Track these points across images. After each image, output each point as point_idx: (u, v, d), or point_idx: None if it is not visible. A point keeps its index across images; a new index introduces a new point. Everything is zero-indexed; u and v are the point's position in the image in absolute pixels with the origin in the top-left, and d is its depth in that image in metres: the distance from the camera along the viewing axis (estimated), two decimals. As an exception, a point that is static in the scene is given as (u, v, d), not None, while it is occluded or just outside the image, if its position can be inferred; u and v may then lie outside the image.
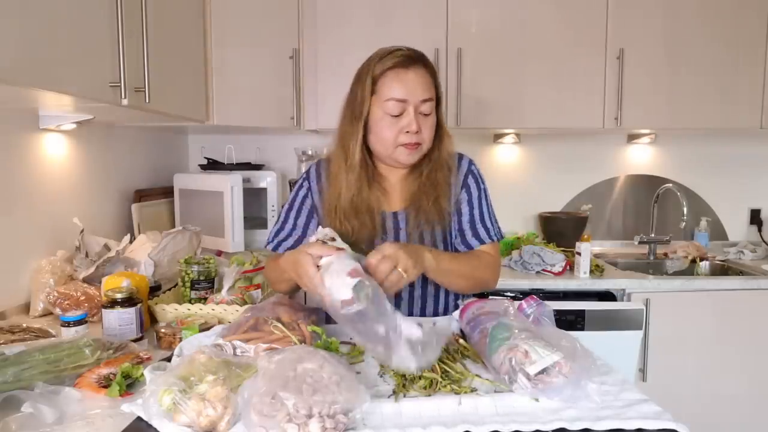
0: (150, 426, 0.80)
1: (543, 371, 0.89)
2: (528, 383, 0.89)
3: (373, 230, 1.31)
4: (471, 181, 1.39)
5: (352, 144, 1.31)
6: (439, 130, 1.34)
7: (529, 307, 1.14)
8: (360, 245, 1.26)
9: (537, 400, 0.88)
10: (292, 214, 1.40)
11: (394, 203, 1.37)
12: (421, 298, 1.36)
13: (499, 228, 1.41)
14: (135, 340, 1.22)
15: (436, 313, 1.38)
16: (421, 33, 2.34)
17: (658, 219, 2.69)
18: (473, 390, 0.91)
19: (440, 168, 1.34)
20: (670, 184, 2.62)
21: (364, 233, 1.30)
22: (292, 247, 1.35)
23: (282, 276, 1.23)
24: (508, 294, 2.11)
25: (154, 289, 1.59)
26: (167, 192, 2.39)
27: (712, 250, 2.68)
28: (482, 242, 1.37)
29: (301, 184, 1.42)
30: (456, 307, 1.38)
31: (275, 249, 1.39)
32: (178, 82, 1.84)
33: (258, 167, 2.59)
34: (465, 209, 1.37)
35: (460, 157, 1.42)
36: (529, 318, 1.11)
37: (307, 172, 1.43)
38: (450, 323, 1.26)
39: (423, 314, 1.37)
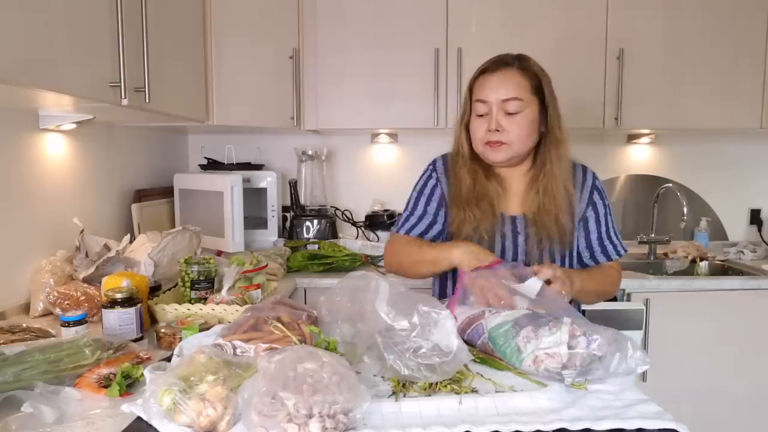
0: (150, 426, 0.80)
1: (568, 347, 0.91)
2: (574, 372, 0.90)
3: (494, 219, 1.35)
4: (597, 197, 1.42)
5: (461, 144, 1.39)
6: (548, 136, 1.36)
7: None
8: (483, 234, 1.34)
9: (585, 388, 0.92)
10: (423, 200, 1.45)
11: (512, 206, 1.40)
12: None
13: (622, 243, 1.46)
14: (135, 340, 1.22)
15: None
16: (422, 33, 2.34)
17: (658, 219, 2.68)
18: (473, 390, 0.91)
19: (556, 180, 1.34)
20: (670, 184, 2.62)
21: (487, 222, 1.34)
22: (423, 233, 1.43)
23: (425, 265, 1.36)
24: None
25: (154, 289, 1.59)
26: (167, 192, 2.39)
27: (712, 250, 2.67)
28: (610, 259, 1.43)
29: (430, 174, 1.47)
30: None
31: (407, 233, 1.44)
32: (178, 82, 1.84)
33: (258, 167, 2.59)
34: (593, 227, 1.41)
35: (584, 169, 1.44)
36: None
37: (434, 164, 1.48)
38: None
39: None
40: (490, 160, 1.36)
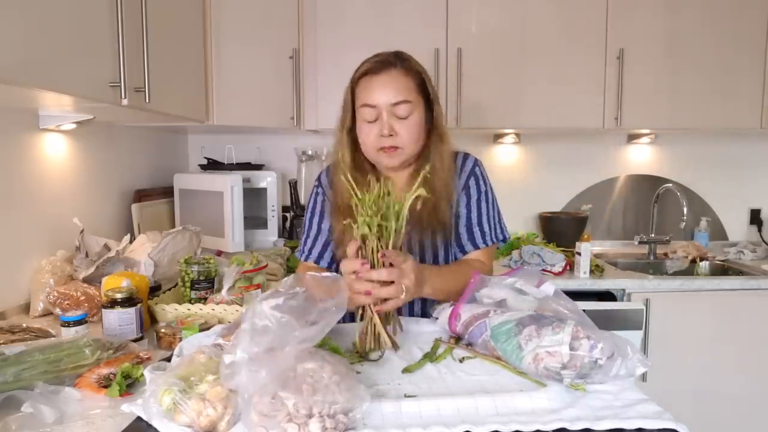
0: (150, 426, 0.80)
1: (570, 348, 0.90)
2: (574, 373, 0.90)
3: None
4: (472, 182, 1.38)
5: (341, 150, 1.34)
6: (432, 133, 1.33)
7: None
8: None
9: (584, 389, 0.90)
10: (315, 219, 1.42)
11: None
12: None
13: (500, 229, 1.40)
14: (135, 340, 1.22)
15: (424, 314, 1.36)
16: (421, 33, 2.34)
17: (658, 219, 2.69)
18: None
19: (437, 174, 1.31)
20: (670, 184, 2.62)
21: None
22: (321, 252, 1.40)
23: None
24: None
25: (154, 289, 1.59)
26: (167, 192, 2.39)
27: (712, 250, 2.68)
28: (476, 246, 1.36)
29: (317, 191, 1.44)
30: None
31: (306, 259, 1.43)
32: (178, 82, 1.84)
33: (258, 167, 2.59)
34: (463, 212, 1.37)
35: (465, 156, 1.40)
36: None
37: (319, 178, 1.45)
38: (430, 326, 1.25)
39: (411, 314, 1.36)
40: (385, 165, 1.33)
